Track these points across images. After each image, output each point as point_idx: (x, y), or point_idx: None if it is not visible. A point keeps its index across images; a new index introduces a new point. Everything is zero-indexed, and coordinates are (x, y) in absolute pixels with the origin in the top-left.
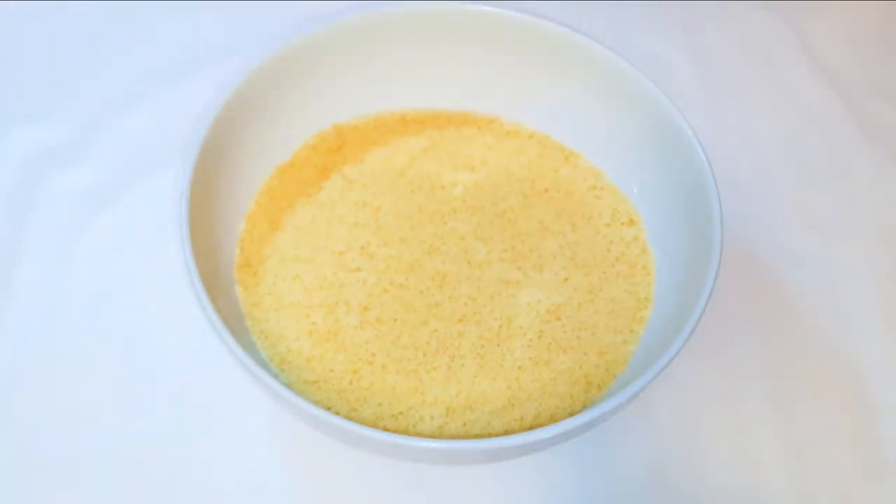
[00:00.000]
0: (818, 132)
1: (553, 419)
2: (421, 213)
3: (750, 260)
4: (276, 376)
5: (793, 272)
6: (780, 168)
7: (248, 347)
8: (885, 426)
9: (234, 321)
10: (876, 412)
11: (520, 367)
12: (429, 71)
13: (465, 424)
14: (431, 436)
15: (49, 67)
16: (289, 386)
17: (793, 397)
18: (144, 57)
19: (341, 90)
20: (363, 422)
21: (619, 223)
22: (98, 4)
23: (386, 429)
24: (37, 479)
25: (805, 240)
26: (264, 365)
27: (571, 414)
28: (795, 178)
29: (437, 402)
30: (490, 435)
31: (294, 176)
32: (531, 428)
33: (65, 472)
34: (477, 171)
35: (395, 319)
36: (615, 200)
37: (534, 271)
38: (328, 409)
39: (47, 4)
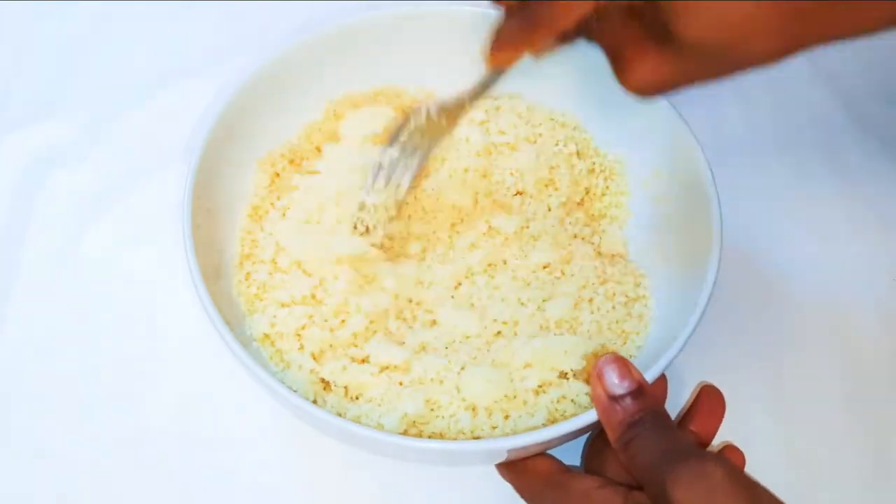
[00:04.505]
0: (817, 132)
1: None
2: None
3: (749, 261)
4: (276, 375)
5: (791, 271)
6: (779, 167)
7: (249, 346)
8: (885, 425)
9: (235, 320)
10: (876, 412)
11: (520, 368)
12: (429, 76)
13: (464, 425)
14: (431, 436)
15: (52, 68)
16: (290, 386)
17: (793, 397)
18: (146, 58)
19: (340, 90)
20: (363, 422)
21: (617, 224)
22: (100, 6)
23: (386, 429)
24: (37, 477)
25: (804, 239)
26: (265, 364)
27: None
28: (794, 177)
29: (438, 403)
30: (490, 436)
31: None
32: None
33: (67, 469)
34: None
35: (396, 322)
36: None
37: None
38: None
39: (50, 5)
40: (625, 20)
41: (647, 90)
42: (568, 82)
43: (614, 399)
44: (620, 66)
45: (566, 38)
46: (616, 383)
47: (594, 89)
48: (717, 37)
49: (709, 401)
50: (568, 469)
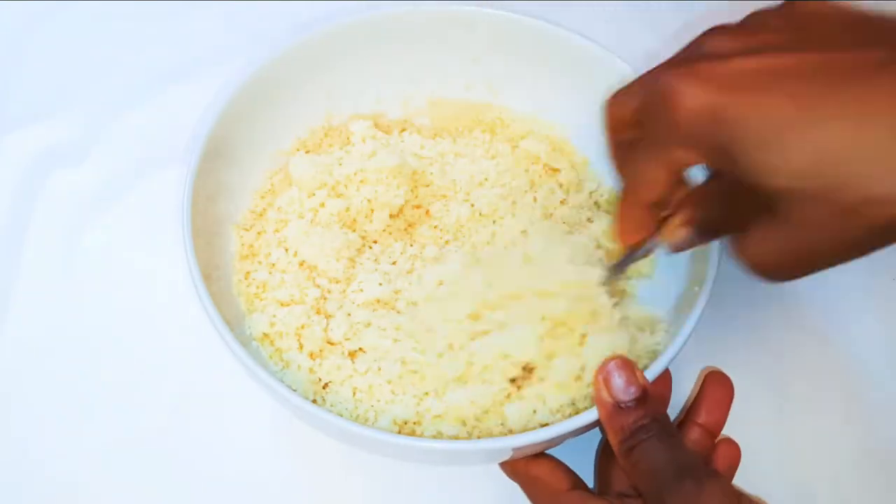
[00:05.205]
0: None
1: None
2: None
3: None
4: (276, 374)
5: None
6: None
7: (249, 346)
8: (885, 425)
9: (235, 320)
10: (875, 412)
11: (519, 367)
12: (429, 75)
13: (464, 426)
14: (431, 437)
15: (52, 68)
16: (290, 386)
17: (792, 397)
18: (146, 58)
19: (340, 90)
20: (363, 422)
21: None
22: (100, 6)
23: (385, 429)
24: (38, 477)
25: None
26: (264, 363)
27: (571, 416)
28: None
29: (438, 403)
30: (489, 436)
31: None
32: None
33: (67, 469)
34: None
35: (397, 320)
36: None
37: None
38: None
39: (50, 5)
40: (727, 196)
41: (766, 269)
42: (561, 91)
43: (618, 404)
44: (734, 246)
45: (703, 233)
46: (622, 389)
47: (588, 95)
48: (812, 175)
49: (714, 392)
50: (578, 486)
